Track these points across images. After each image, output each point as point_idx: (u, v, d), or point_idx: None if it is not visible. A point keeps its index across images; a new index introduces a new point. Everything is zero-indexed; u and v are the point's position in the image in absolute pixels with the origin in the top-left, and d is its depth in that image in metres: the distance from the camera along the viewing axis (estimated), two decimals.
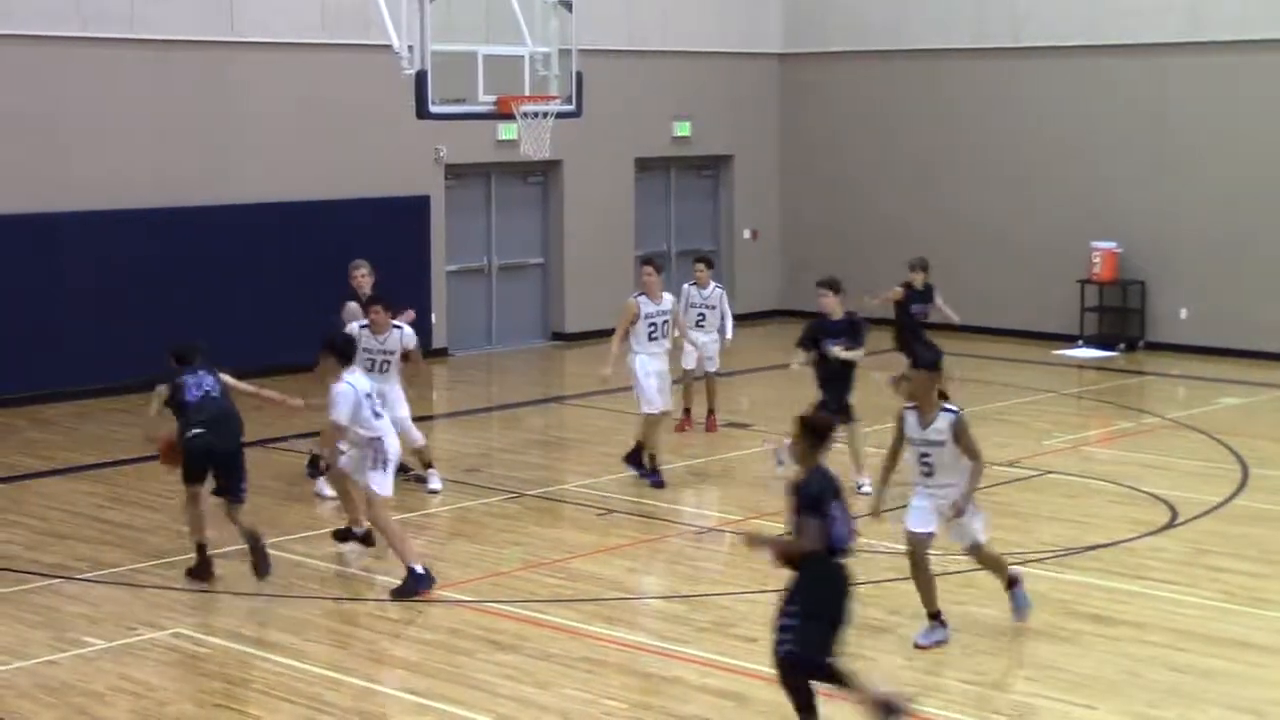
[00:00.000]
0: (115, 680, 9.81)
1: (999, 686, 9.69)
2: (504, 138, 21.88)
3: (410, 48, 15.04)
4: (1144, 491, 14.53)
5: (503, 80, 15.90)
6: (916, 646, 10.32)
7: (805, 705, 8.51)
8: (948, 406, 10.32)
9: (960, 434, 10.25)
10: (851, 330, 14.40)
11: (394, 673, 10.01)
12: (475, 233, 23.35)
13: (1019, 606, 10.71)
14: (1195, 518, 13.64)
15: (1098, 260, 22.96)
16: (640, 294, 15.05)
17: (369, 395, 11.76)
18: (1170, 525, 13.44)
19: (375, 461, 11.68)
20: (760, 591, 11.51)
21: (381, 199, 21.62)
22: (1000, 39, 24.16)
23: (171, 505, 14.07)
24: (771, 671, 8.93)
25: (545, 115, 16.08)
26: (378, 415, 11.78)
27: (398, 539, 11.65)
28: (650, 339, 14.98)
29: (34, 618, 11.05)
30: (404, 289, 21.88)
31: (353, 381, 11.70)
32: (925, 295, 18.22)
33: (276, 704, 9.41)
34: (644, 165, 25.06)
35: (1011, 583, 10.74)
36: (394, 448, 11.91)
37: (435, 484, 14.65)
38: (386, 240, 21.47)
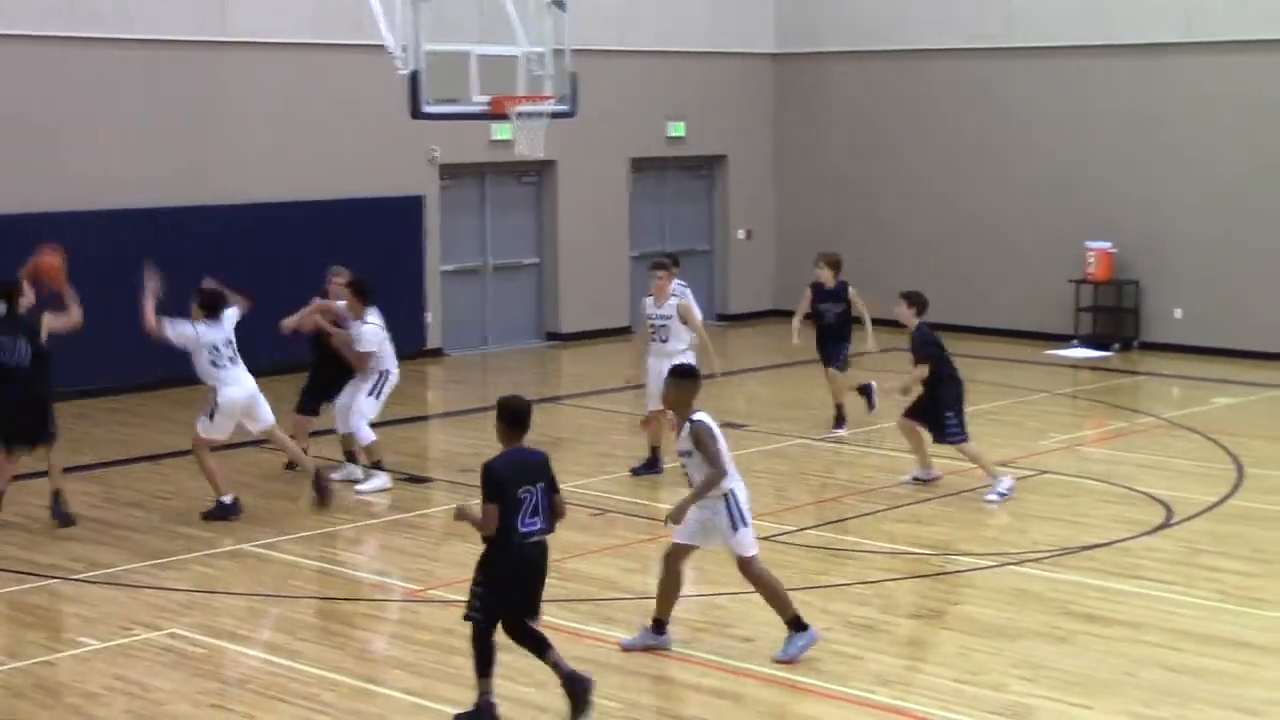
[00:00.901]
0: (111, 680, 9.81)
1: (994, 686, 9.69)
2: (498, 138, 21.85)
3: (404, 48, 15.01)
4: (1139, 491, 14.54)
5: (497, 80, 15.87)
6: (623, 649, 10.14)
7: (484, 668, 8.98)
8: (695, 416, 9.90)
9: (698, 443, 9.83)
10: (918, 342, 14.42)
11: (390, 672, 10.00)
12: (470, 233, 23.35)
13: (788, 651, 9.98)
14: (1190, 517, 13.66)
15: (1092, 260, 22.97)
16: (648, 295, 15.17)
17: (213, 347, 13.41)
18: (1165, 525, 13.45)
19: (206, 409, 13.53)
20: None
21: (376, 199, 21.61)
22: (995, 39, 24.16)
23: (167, 506, 14.09)
24: (766, 670, 8.93)
25: (540, 115, 16.06)
26: (216, 365, 13.44)
27: (210, 474, 13.58)
28: (652, 340, 15.07)
29: (29, 618, 11.05)
30: (399, 289, 22.02)
31: (194, 327, 13.50)
32: (836, 294, 17.19)
33: (272, 704, 9.41)
34: (638, 165, 25.06)
35: (795, 623, 10.05)
36: (229, 399, 13.46)
37: (368, 485, 14.56)
38: (381, 240, 21.52)
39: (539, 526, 8.97)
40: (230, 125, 20.38)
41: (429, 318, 22.31)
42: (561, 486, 9.27)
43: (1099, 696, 9.53)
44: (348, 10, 20.12)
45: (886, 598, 11.43)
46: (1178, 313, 22.76)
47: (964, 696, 9.51)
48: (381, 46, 15.25)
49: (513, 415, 9.05)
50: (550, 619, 10.92)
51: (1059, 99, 23.57)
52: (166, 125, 19.82)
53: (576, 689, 9.04)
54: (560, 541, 13.02)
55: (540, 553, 9.06)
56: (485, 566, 9.05)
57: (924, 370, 14.21)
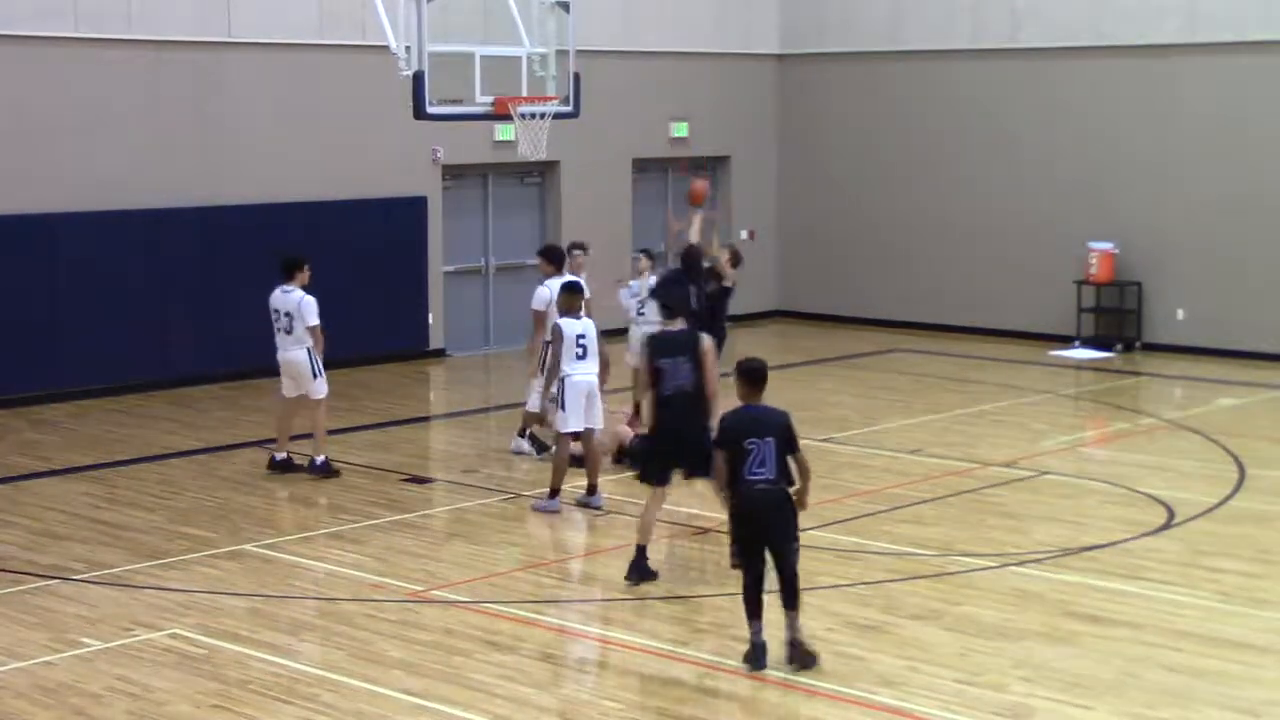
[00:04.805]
0: (112, 681, 9.81)
1: (995, 687, 9.69)
2: (501, 138, 21.88)
3: (407, 48, 15.04)
4: (1140, 492, 14.54)
5: (500, 81, 15.90)
6: None
7: (751, 610, 10.00)
8: None
9: None
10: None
11: (391, 673, 10.00)
12: (472, 233, 23.35)
13: None
14: (1192, 518, 13.65)
15: (1095, 261, 22.96)
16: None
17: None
18: (1167, 526, 13.45)
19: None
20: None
21: (379, 200, 21.61)
22: (998, 40, 24.16)
23: (168, 506, 14.10)
24: (767, 671, 8.91)
25: (543, 116, 16.08)
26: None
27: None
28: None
29: (31, 619, 11.05)
30: (401, 290, 22.03)
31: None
32: None
33: (274, 704, 9.41)
34: (641, 166, 25.06)
35: None
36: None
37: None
38: (384, 241, 21.53)
39: (762, 475, 9.81)
40: (233, 126, 20.38)
41: (431, 318, 22.30)
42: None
43: (1100, 697, 9.53)
44: (351, 11, 20.15)
45: (888, 598, 11.43)
46: (1180, 314, 22.75)
47: (965, 697, 9.51)
48: (385, 47, 15.27)
49: (746, 374, 10.15)
50: (552, 619, 10.96)
51: (1063, 100, 23.55)
52: (169, 126, 19.81)
53: (798, 656, 9.86)
54: (563, 542, 13.13)
55: (767, 500, 9.82)
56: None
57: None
